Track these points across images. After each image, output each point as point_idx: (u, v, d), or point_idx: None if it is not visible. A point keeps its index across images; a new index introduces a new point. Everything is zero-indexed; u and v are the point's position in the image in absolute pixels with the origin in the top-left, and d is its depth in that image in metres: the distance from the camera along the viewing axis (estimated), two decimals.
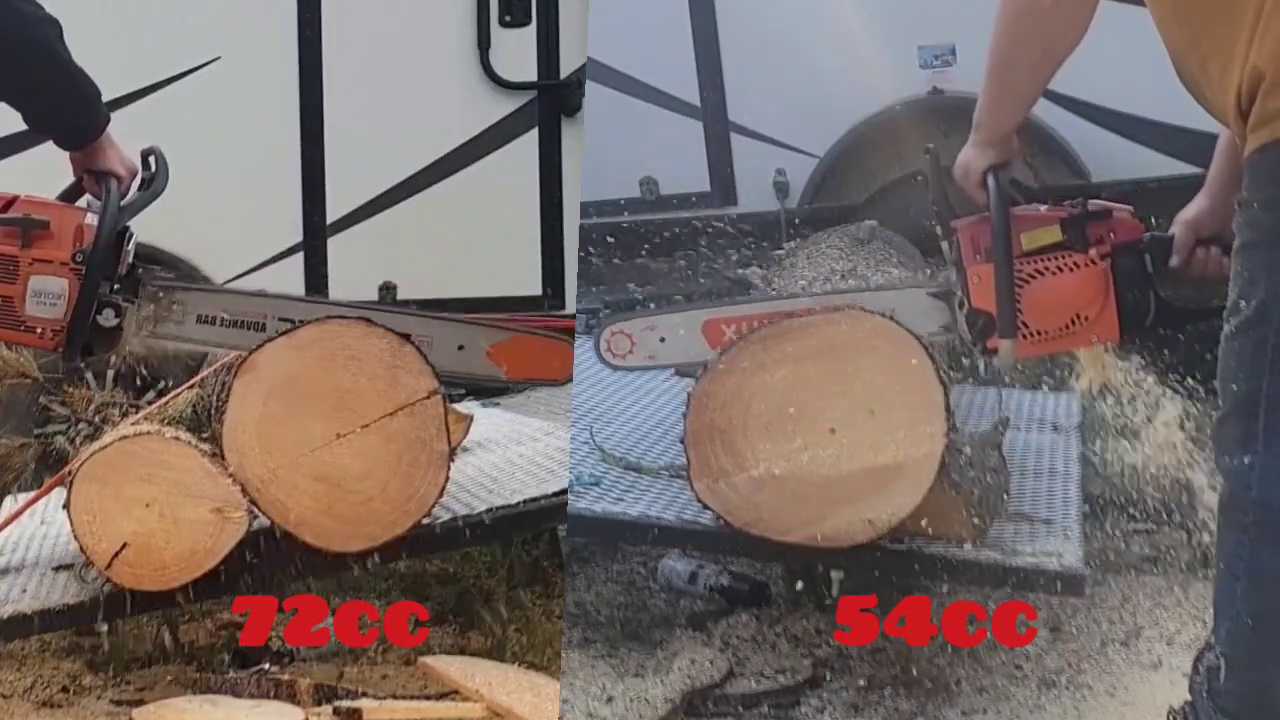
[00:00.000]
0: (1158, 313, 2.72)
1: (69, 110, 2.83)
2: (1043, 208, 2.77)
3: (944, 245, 2.86)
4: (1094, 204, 2.75)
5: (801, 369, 2.89)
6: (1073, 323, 2.74)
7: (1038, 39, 2.37)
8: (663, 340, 3.04)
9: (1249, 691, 2.10)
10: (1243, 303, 2.07)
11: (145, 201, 2.96)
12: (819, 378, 2.88)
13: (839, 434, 2.87)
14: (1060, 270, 2.70)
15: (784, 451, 2.88)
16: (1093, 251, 2.71)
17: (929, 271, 2.90)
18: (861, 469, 2.86)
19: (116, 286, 2.89)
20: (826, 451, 2.87)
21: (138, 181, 2.97)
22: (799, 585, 3.42)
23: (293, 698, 3.05)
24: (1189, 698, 2.24)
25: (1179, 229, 2.68)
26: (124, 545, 3.04)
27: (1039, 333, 2.74)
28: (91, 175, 2.91)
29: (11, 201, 2.88)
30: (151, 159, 2.98)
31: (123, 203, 2.90)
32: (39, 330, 2.87)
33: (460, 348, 3.17)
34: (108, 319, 2.89)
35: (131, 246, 2.93)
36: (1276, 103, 2.04)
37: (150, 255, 4.58)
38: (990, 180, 2.65)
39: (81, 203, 3.00)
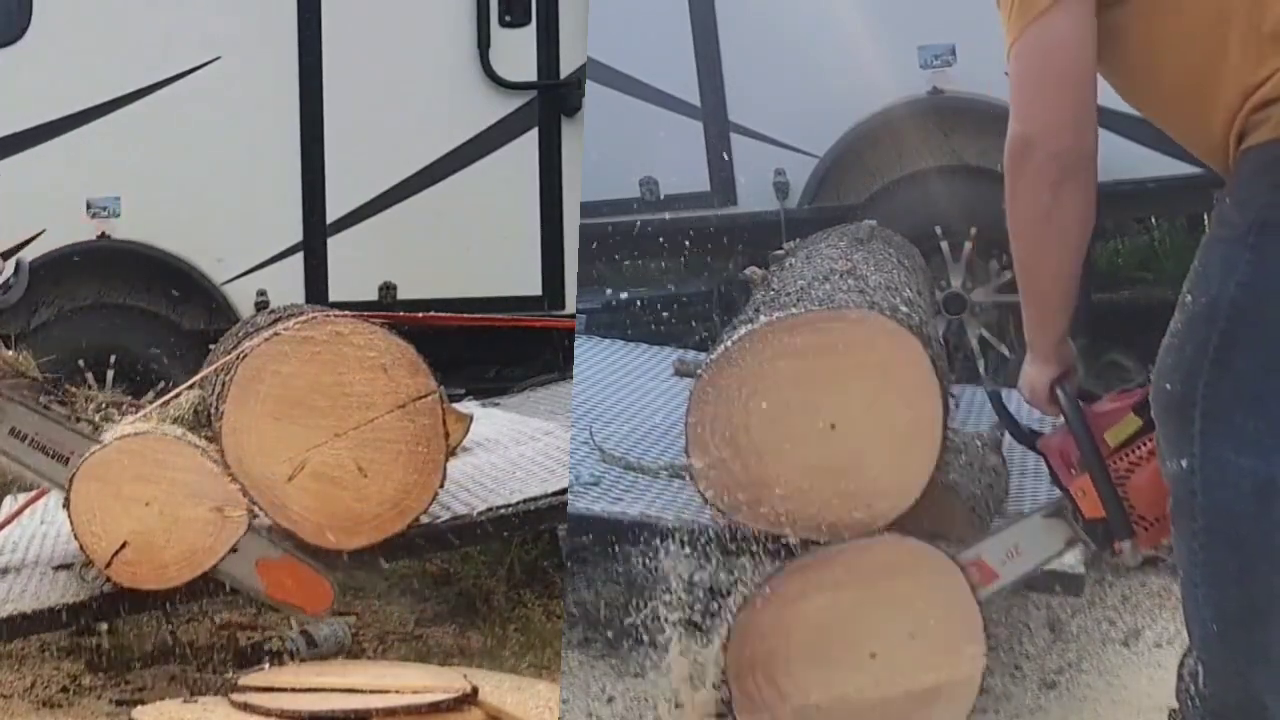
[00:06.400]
0: None
1: None
2: (1111, 400, 2.72)
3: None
4: None
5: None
6: None
7: (1052, 243, 2.30)
8: None
9: (1231, 693, 2.10)
10: (1189, 297, 2.05)
11: None
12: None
13: (880, 658, 2.69)
14: (1153, 455, 2.56)
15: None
16: None
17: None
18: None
19: None
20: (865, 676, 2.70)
21: None
22: None
23: None
24: None
25: None
26: (124, 544, 3.04)
27: (1157, 520, 2.66)
28: None
29: None
30: (15, 265, 2.95)
31: None
32: None
33: (234, 550, 3.12)
34: None
35: None
36: (1273, 111, 2.03)
37: (150, 255, 4.65)
38: (1060, 394, 2.60)
39: None
